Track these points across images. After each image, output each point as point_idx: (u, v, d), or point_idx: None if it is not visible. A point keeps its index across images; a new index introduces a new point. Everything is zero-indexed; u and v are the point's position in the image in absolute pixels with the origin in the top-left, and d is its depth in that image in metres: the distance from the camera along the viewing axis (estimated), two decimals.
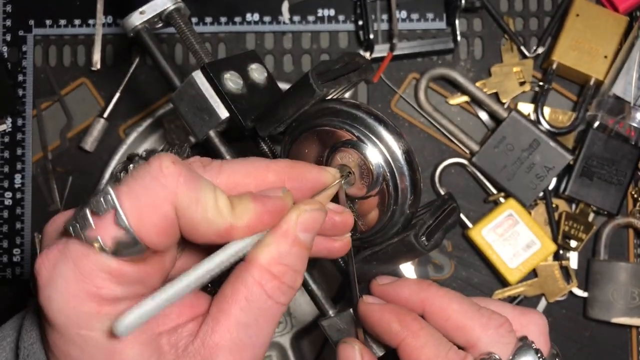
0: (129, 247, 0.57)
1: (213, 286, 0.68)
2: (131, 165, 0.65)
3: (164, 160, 0.58)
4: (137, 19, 0.82)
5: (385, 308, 0.74)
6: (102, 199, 0.56)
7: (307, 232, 0.65)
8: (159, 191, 0.57)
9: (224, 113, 0.77)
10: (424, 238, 0.71)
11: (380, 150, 0.69)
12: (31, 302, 0.68)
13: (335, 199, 0.72)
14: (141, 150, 1.25)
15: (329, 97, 0.74)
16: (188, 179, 0.58)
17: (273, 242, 0.63)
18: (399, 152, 0.69)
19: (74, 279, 0.56)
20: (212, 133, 0.79)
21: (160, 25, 0.85)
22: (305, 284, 0.81)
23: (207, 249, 0.64)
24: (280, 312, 0.65)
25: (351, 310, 0.79)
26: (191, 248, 0.70)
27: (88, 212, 0.57)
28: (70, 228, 0.57)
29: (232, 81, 0.77)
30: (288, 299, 0.65)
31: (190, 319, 0.63)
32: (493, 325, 0.72)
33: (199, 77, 0.77)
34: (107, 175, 1.20)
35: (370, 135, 0.69)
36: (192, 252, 0.70)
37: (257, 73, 0.81)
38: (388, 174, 0.69)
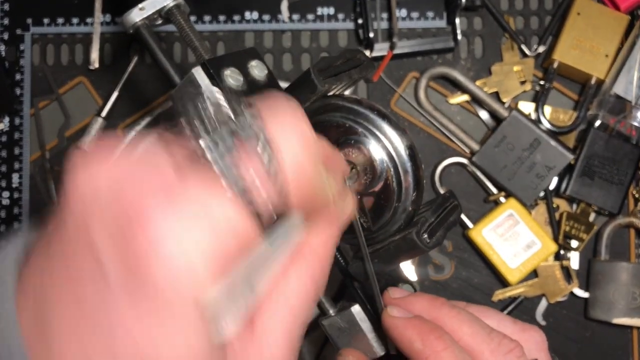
0: (269, 209, 0.44)
1: None
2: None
3: (302, 115, 0.48)
4: (136, 15, 0.82)
5: (408, 324, 0.73)
6: (249, 126, 0.44)
7: (345, 222, 0.60)
8: (309, 150, 0.47)
9: None
10: (425, 235, 0.70)
11: (384, 146, 0.69)
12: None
13: None
14: None
15: (330, 94, 0.73)
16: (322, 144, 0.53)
17: (326, 225, 0.56)
18: (402, 148, 0.69)
19: (203, 229, 0.40)
20: None
21: (159, 22, 0.85)
22: None
23: None
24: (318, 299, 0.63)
25: (352, 309, 0.78)
26: None
27: (229, 150, 0.43)
28: (215, 165, 0.42)
29: (232, 78, 0.77)
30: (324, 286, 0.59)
31: None
32: (502, 351, 0.71)
33: (199, 73, 0.76)
34: None
35: (374, 130, 0.69)
36: None
37: (258, 70, 0.81)
38: (391, 170, 0.69)
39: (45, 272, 0.44)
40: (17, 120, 1.26)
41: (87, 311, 0.41)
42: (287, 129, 0.46)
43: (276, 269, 0.49)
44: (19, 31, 1.28)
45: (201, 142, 0.42)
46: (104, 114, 1.25)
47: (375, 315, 0.79)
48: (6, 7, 1.28)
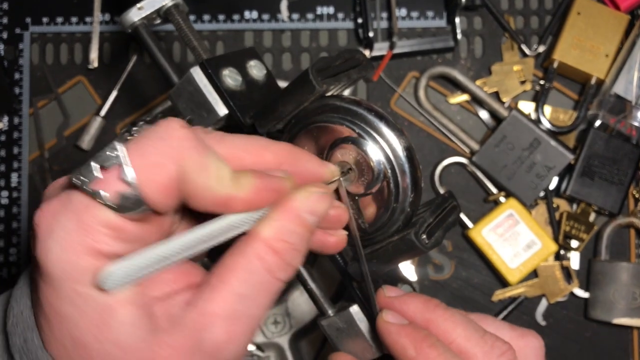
0: (132, 204, 0.57)
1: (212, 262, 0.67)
2: (134, 128, 0.64)
3: (172, 122, 0.59)
4: (135, 14, 0.81)
5: (402, 331, 0.73)
6: (108, 152, 0.57)
7: (312, 214, 0.66)
8: (166, 151, 0.58)
9: (222, 110, 0.76)
10: (424, 236, 0.70)
11: (381, 147, 0.68)
12: (21, 276, 0.68)
13: (335, 196, 0.72)
14: None
15: (328, 94, 0.73)
16: (194, 144, 0.59)
17: (278, 218, 0.64)
18: (400, 149, 0.68)
19: (75, 230, 0.56)
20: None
21: (158, 21, 0.85)
22: (304, 283, 0.80)
23: (204, 220, 0.65)
24: (278, 287, 0.65)
25: (350, 309, 0.78)
26: (189, 218, 0.70)
27: (93, 164, 0.56)
28: (74, 179, 0.56)
29: (230, 78, 0.77)
30: (287, 276, 0.65)
31: (184, 287, 0.64)
32: (495, 354, 0.71)
33: (197, 73, 0.76)
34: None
35: (371, 131, 0.68)
36: (190, 222, 0.70)
37: (256, 70, 0.81)
38: (389, 171, 0.69)
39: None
40: (16, 120, 1.26)
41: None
42: (142, 144, 0.58)
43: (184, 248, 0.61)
44: (18, 30, 1.28)
45: (71, 175, 0.57)
46: (103, 113, 1.25)
47: (373, 316, 0.79)
48: (5, 6, 1.28)
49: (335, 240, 0.72)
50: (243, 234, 0.64)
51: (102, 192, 0.55)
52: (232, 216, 0.62)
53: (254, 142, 0.66)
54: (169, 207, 0.60)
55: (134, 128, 0.63)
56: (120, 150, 0.56)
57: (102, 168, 0.56)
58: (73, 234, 0.56)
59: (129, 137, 0.60)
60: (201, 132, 0.63)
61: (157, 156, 0.57)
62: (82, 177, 0.56)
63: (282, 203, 0.65)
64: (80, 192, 0.56)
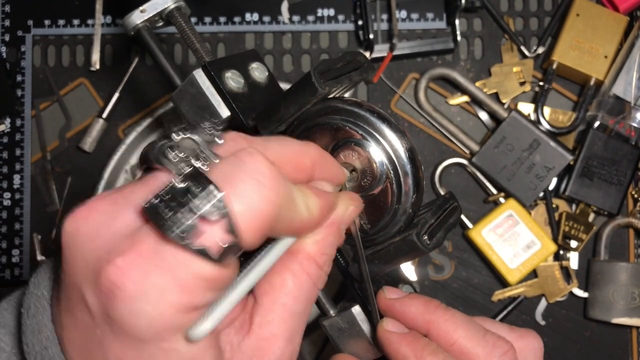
0: (232, 252, 0.53)
1: None
2: (176, 144, 0.57)
3: (261, 159, 0.55)
4: (137, 17, 0.82)
5: (403, 340, 0.73)
6: (209, 203, 0.52)
7: (346, 224, 0.68)
8: (263, 192, 0.54)
9: (225, 112, 0.76)
10: (425, 237, 0.71)
11: (383, 149, 0.69)
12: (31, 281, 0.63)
13: None
14: (134, 159, 1.24)
15: (330, 96, 0.74)
16: (280, 177, 0.56)
17: (322, 233, 0.65)
18: (402, 150, 0.69)
19: (171, 290, 0.52)
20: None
21: (161, 24, 0.85)
22: None
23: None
24: (317, 297, 0.67)
25: (352, 309, 0.79)
26: None
27: (190, 215, 0.51)
28: (170, 233, 0.51)
29: (233, 80, 0.77)
30: (323, 284, 0.67)
31: (237, 315, 0.63)
32: (497, 353, 0.72)
33: (200, 75, 0.76)
34: (106, 175, 1.19)
35: (373, 133, 0.69)
36: None
37: (258, 72, 0.81)
38: (391, 172, 0.69)
39: (57, 320, 0.59)
40: (18, 122, 1.27)
41: (89, 347, 0.56)
42: (240, 189, 0.54)
43: (254, 280, 0.59)
44: (20, 33, 1.29)
45: (162, 226, 0.51)
46: (104, 115, 1.25)
47: (378, 317, 0.79)
48: (7, 8, 1.29)
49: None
50: None
51: (206, 248, 0.51)
52: (288, 239, 0.63)
53: (293, 147, 0.64)
54: (259, 244, 0.57)
55: (169, 144, 0.57)
56: (217, 193, 0.52)
57: (205, 220, 0.51)
58: (169, 294, 0.52)
59: (181, 156, 0.55)
60: (242, 140, 0.60)
61: (254, 196, 0.54)
62: (178, 230, 0.51)
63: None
64: (174, 245, 0.51)
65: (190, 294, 0.52)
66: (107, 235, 0.54)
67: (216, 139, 0.58)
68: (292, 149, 0.64)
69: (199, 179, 0.53)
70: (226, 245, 0.52)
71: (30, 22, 1.29)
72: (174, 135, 0.57)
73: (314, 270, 0.64)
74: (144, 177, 0.57)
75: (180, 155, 0.55)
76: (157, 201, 0.52)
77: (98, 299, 0.53)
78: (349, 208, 0.67)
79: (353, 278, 0.78)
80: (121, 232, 0.54)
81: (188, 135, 0.57)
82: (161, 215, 0.51)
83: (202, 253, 0.52)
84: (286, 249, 0.63)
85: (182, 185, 0.53)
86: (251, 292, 0.64)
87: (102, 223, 0.55)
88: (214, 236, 0.52)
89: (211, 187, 0.52)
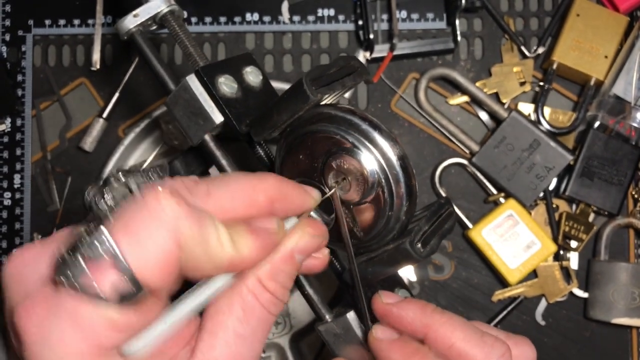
0: (131, 293, 0.53)
1: None
2: (108, 188, 0.59)
3: (162, 193, 0.55)
4: (130, 22, 0.82)
5: (393, 347, 0.74)
6: (95, 241, 0.52)
7: (303, 254, 0.67)
8: (160, 229, 0.53)
9: (218, 117, 0.76)
10: (419, 245, 0.70)
11: (375, 157, 0.69)
12: None
13: (330, 206, 0.72)
14: (132, 160, 1.24)
15: (323, 102, 0.74)
16: (189, 213, 0.55)
17: (270, 261, 0.64)
18: (394, 159, 0.69)
19: (71, 333, 0.52)
20: (207, 137, 0.78)
21: (154, 27, 0.85)
22: (301, 288, 0.80)
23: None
24: (271, 322, 0.65)
25: (347, 315, 0.79)
26: None
27: (81, 258, 0.52)
28: (61, 277, 0.52)
29: (226, 85, 0.77)
30: (279, 311, 0.66)
31: (184, 344, 0.61)
32: (495, 355, 0.71)
33: (192, 81, 0.76)
34: (105, 175, 1.20)
35: (365, 141, 0.69)
36: None
37: (252, 76, 0.81)
38: (383, 181, 0.69)
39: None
40: (18, 121, 1.27)
41: None
42: (134, 232, 0.53)
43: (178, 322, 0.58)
44: (20, 32, 1.29)
45: (56, 273, 0.53)
46: (105, 115, 1.25)
47: (370, 323, 0.79)
48: (7, 8, 1.29)
49: (319, 262, 0.72)
50: None
51: (95, 288, 0.52)
52: (225, 275, 0.62)
53: (242, 185, 0.63)
54: (169, 285, 0.56)
55: (105, 188, 0.59)
56: (107, 237, 0.52)
57: (91, 260, 0.52)
58: (69, 337, 0.52)
59: (107, 203, 0.57)
60: (187, 191, 0.59)
61: (151, 237, 0.53)
62: (69, 274, 0.52)
63: (278, 248, 0.65)
64: (69, 290, 0.52)
65: (94, 338, 0.53)
66: (28, 281, 0.56)
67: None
68: (241, 187, 0.63)
69: (97, 224, 0.53)
70: (120, 285, 0.52)
71: (30, 22, 1.29)
72: (112, 180, 0.59)
73: (262, 294, 0.63)
74: (73, 226, 0.59)
75: (108, 202, 0.57)
76: (64, 249, 0.53)
77: (14, 342, 0.55)
78: (304, 238, 0.66)
79: (348, 284, 0.78)
80: (38, 279, 0.56)
81: (123, 181, 0.59)
82: (60, 263, 0.53)
83: (98, 297, 0.52)
84: (225, 284, 0.61)
85: (85, 231, 0.53)
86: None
87: (27, 269, 0.57)
88: (107, 280, 0.52)
89: (103, 231, 0.52)
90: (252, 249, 0.60)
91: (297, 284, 0.81)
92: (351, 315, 0.79)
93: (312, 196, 0.70)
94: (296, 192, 0.68)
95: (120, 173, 0.59)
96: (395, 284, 0.86)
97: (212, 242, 0.57)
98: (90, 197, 0.58)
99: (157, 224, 0.53)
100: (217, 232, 0.57)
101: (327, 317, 0.80)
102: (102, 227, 0.52)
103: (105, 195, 0.57)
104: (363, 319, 0.77)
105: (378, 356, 0.74)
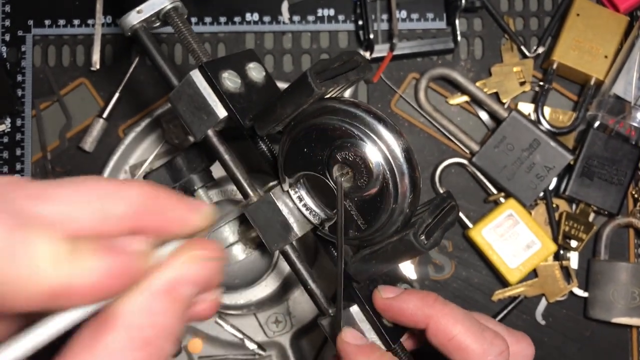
0: None
1: None
2: None
3: None
4: (134, 18, 0.82)
5: (360, 352, 0.75)
6: None
7: (194, 286, 0.51)
8: None
9: (222, 112, 0.76)
10: (423, 237, 0.71)
11: (380, 149, 0.69)
12: None
13: (332, 198, 0.72)
14: (132, 160, 1.24)
15: (327, 96, 0.74)
16: None
17: (143, 297, 0.48)
18: (398, 151, 0.69)
19: None
20: (210, 132, 0.79)
21: (157, 24, 0.85)
22: (304, 283, 0.81)
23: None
24: None
25: (350, 309, 0.79)
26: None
27: None
28: None
29: (230, 80, 0.77)
30: None
31: None
32: (494, 352, 0.72)
33: (196, 76, 0.77)
34: (105, 175, 1.20)
35: (370, 133, 0.69)
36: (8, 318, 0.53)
37: (255, 72, 0.81)
38: (387, 173, 0.69)
39: None
40: (18, 122, 1.27)
41: None
42: None
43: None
44: (20, 32, 1.29)
45: None
46: (105, 115, 1.25)
47: (373, 316, 0.79)
48: (7, 8, 1.29)
49: (207, 306, 0.57)
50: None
51: None
52: (75, 311, 0.47)
53: (99, 189, 0.49)
54: None
55: None
56: None
57: None
58: None
59: None
60: (9, 186, 0.46)
61: None
62: None
63: (152, 276, 0.49)
64: None
65: None
66: None
67: None
68: (96, 191, 0.48)
69: None
70: None
71: (30, 22, 1.29)
72: None
73: (136, 351, 0.46)
74: None
75: None
76: None
77: None
78: (191, 264, 0.51)
79: (351, 278, 0.78)
80: None
81: None
82: None
83: None
84: (75, 321, 0.46)
85: None
86: None
87: None
88: None
89: None
90: (96, 274, 0.45)
91: (300, 279, 0.81)
92: (354, 309, 0.79)
93: (202, 213, 0.55)
94: (175, 207, 0.53)
95: None
96: (397, 279, 0.86)
97: (30, 263, 0.43)
98: None
99: None
100: (37, 247, 0.43)
101: (330, 311, 0.80)
102: None
103: None
104: (337, 318, 0.78)
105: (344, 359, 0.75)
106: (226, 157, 0.79)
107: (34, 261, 0.42)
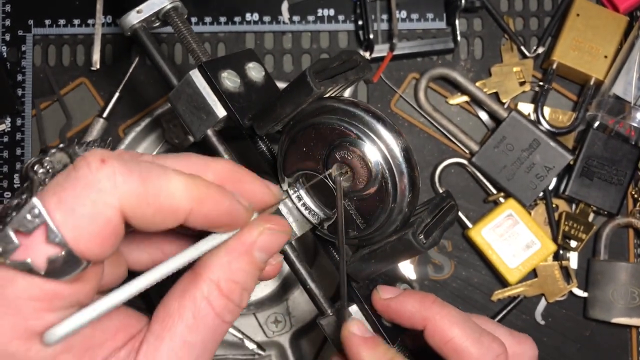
0: (67, 265, 0.50)
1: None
2: (47, 159, 0.55)
3: (92, 160, 0.51)
4: (134, 17, 0.82)
5: (364, 344, 0.74)
6: (27, 214, 0.49)
7: (265, 252, 0.64)
8: (96, 198, 0.50)
9: (221, 112, 0.76)
10: (422, 236, 0.71)
11: (379, 148, 0.69)
12: None
13: (331, 198, 0.72)
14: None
15: (326, 96, 0.74)
16: (126, 174, 0.51)
17: (227, 256, 0.61)
18: (397, 150, 0.69)
19: (3, 316, 0.49)
20: (209, 132, 0.79)
21: (157, 24, 0.85)
22: (303, 283, 0.81)
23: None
24: (225, 330, 0.61)
25: (350, 309, 0.79)
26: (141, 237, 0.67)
27: (11, 231, 0.49)
28: None
29: (229, 80, 0.77)
30: (234, 318, 0.62)
31: (125, 341, 0.58)
32: (491, 356, 0.72)
33: (196, 75, 0.77)
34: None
35: (369, 132, 0.69)
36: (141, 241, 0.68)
37: (255, 72, 0.81)
38: (386, 172, 0.69)
39: None
40: (18, 121, 1.27)
41: None
42: (64, 197, 0.50)
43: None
44: (20, 32, 1.29)
45: None
46: (105, 114, 1.25)
47: (373, 315, 0.79)
48: (7, 8, 1.29)
49: (272, 268, 0.69)
50: (188, 268, 0.60)
51: (28, 261, 0.49)
52: (183, 256, 0.59)
53: (192, 160, 0.61)
54: (110, 254, 0.53)
55: (47, 158, 0.55)
56: (39, 207, 0.49)
57: (21, 233, 0.48)
58: None
59: (42, 174, 0.53)
60: (130, 157, 0.56)
61: (86, 206, 0.50)
62: None
63: (234, 238, 0.62)
64: None
65: (22, 316, 0.50)
66: None
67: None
68: (196, 161, 0.62)
69: (26, 192, 0.51)
70: (55, 258, 0.49)
71: (30, 22, 1.29)
72: (52, 150, 0.55)
73: (217, 299, 0.59)
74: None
75: (45, 169, 0.54)
76: None
77: None
78: (264, 232, 0.63)
79: (350, 278, 0.78)
80: None
81: (61, 148, 0.56)
82: None
83: (26, 268, 0.49)
84: (172, 268, 0.58)
85: (15, 201, 0.51)
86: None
87: None
88: (39, 253, 0.49)
89: (34, 202, 0.49)
90: (214, 197, 0.58)
91: (299, 279, 0.81)
92: (354, 309, 0.79)
93: (272, 191, 0.68)
94: (251, 179, 0.66)
95: (62, 144, 0.56)
96: (396, 278, 0.86)
97: (163, 197, 0.54)
98: (27, 167, 0.54)
99: (90, 192, 0.50)
100: (166, 181, 0.54)
101: (329, 311, 0.80)
102: (34, 198, 0.49)
103: (44, 165, 0.54)
104: (342, 311, 0.78)
105: (348, 350, 0.75)
106: (226, 156, 0.79)
107: (162, 200, 0.54)
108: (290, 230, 0.68)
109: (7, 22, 1.28)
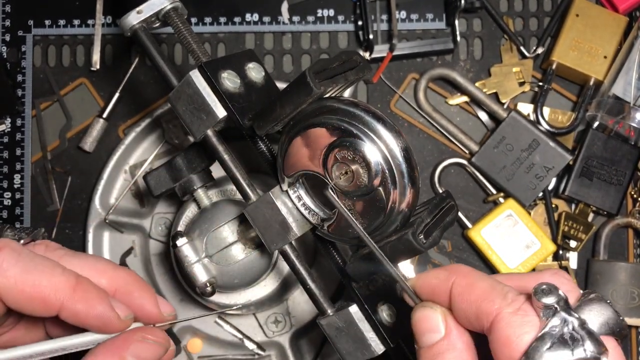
0: None
1: None
2: None
3: None
4: (134, 18, 0.82)
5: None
6: None
7: (137, 358, 0.67)
8: None
9: (221, 112, 0.77)
10: (421, 236, 0.71)
11: (379, 148, 0.69)
12: None
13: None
14: (132, 160, 1.24)
15: (326, 96, 0.74)
16: (11, 264, 0.62)
17: (102, 356, 0.66)
18: (397, 150, 0.69)
19: None
20: (209, 132, 0.79)
21: (157, 24, 0.85)
22: (303, 283, 0.81)
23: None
24: None
25: (349, 309, 0.79)
26: (27, 319, 0.73)
27: None
28: None
29: (229, 80, 0.77)
30: None
31: None
32: (514, 306, 0.69)
33: (196, 76, 0.77)
34: (105, 175, 1.20)
35: (369, 132, 0.69)
36: (28, 323, 0.74)
37: (255, 72, 0.82)
38: (386, 172, 0.69)
39: None
40: (18, 121, 1.27)
41: None
42: None
43: None
44: (20, 32, 1.29)
45: None
46: (105, 115, 1.25)
47: (372, 315, 0.79)
48: (7, 8, 1.29)
49: None
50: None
51: None
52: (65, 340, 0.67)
53: (100, 265, 0.70)
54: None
55: None
56: None
57: None
58: None
59: None
60: (42, 247, 0.68)
61: None
62: None
63: (109, 341, 0.67)
64: None
65: None
66: None
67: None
68: (95, 265, 0.70)
69: None
70: None
71: (30, 22, 1.29)
72: None
73: None
74: None
75: None
76: None
77: None
78: (143, 342, 0.68)
79: (350, 277, 0.78)
80: None
81: None
82: None
83: None
84: (62, 347, 0.67)
85: None
86: None
87: None
88: None
89: None
90: (87, 300, 0.66)
91: (299, 279, 0.81)
92: (353, 309, 0.79)
93: (161, 309, 0.73)
94: (145, 295, 0.72)
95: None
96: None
97: (38, 286, 0.63)
98: None
99: None
100: (50, 276, 0.64)
101: (329, 311, 0.80)
102: None
103: None
104: (406, 291, 0.74)
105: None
106: (225, 157, 0.79)
107: (47, 284, 0.63)
108: (168, 344, 0.72)
109: (7, 23, 1.29)
